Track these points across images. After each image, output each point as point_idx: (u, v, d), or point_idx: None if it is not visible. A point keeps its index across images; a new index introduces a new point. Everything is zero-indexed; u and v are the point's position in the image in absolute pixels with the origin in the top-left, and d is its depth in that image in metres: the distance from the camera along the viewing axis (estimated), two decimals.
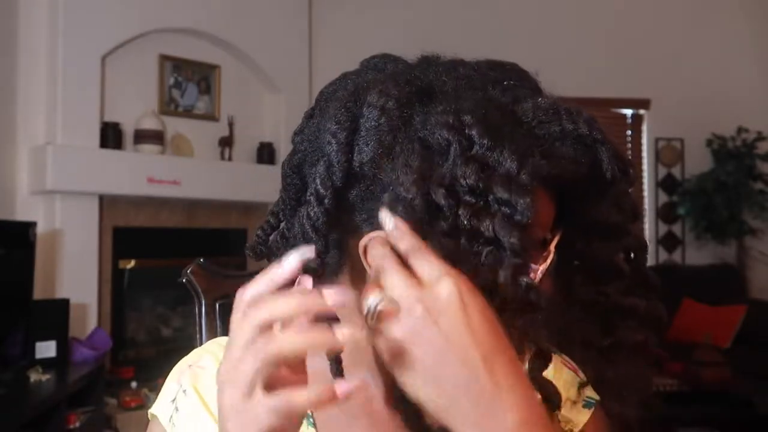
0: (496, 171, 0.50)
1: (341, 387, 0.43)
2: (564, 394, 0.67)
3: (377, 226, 0.54)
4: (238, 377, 0.44)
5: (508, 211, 0.49)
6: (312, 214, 0.55)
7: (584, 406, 0.68)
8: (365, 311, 0.46)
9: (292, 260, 0.48)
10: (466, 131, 0.51)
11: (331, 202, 0.54)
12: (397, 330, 0.46)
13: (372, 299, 0.47)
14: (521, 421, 0.44)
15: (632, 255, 0.59)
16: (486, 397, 0.44)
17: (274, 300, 0.45)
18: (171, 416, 0.62)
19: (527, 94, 0.56)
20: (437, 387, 0.45)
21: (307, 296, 0.45)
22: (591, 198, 0.56)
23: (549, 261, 0.56)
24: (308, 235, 0.55)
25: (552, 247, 0.57)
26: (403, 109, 0.54)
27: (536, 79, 0.60)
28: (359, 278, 0.59)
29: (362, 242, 0.55)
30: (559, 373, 0.69)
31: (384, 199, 0.54)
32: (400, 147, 0.53)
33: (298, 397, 0.43)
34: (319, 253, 0.51)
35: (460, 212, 0.50)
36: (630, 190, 0.58)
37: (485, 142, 0.50)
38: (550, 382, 0.57)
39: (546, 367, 0.57)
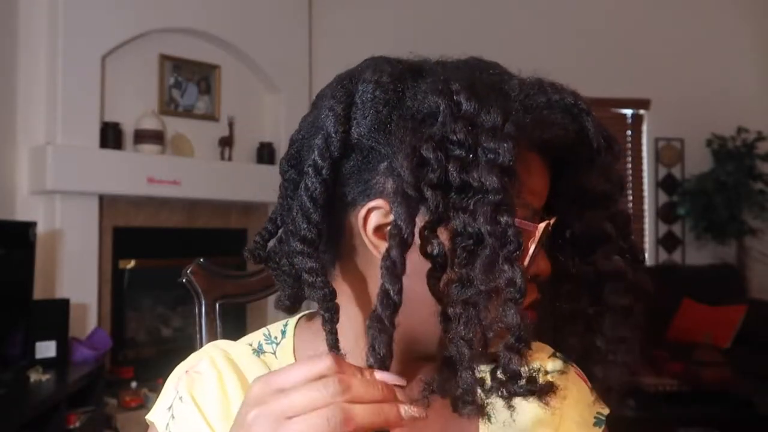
0: (483, 127, 0.51)
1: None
2: (580, 417, 0.67)
3: (373, 197, 0.56)
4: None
5: (492, 157, 0.51)
6: (310, 184, 0.56)
7: (594, 424, 0.67)
8: None
9: (381, 377, 0.48)
10: (455, 97, 0.52)
11: (329, 173, 0.56)
12: None
13: None
14: None
15: (619, 225, 0.59)
16: None
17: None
18: (167, 424, 0.62)
19: (512, 77, 0.58)
20: None
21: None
22: (580, 168, 0.58)
23: (552, 221, 0.57)
24: (306, 206, 0.56)
25: (552, 221, 0.57)
26: (396, 83, 0.56)
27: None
28: (350, 257, 0.60)
29: (361, 213, 0.56)
30: (577, 386, 0.68)
31: (380, 169, 0.55)
32: (395, 125, 0.54)
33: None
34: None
35: (449, 167, 0.51)
36: (617, 164, 0.59)
37: (473, 104, 0.52)
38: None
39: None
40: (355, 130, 0.56)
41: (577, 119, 0.55)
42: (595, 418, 0.67)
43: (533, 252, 0.56)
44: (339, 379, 0.44)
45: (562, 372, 0.68)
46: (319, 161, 0.56)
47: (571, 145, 0.55)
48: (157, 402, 0.65)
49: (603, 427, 0.67)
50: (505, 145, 0.50)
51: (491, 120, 0.51)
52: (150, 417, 0.64)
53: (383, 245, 0.55)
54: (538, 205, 0.57)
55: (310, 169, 0.56)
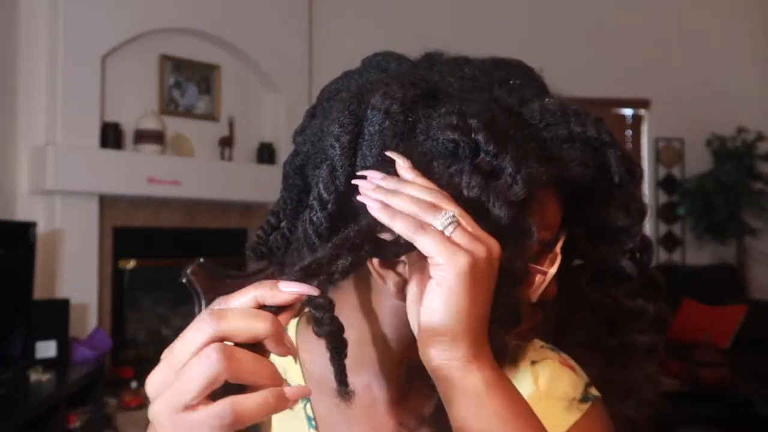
0: (497, 181, 0.49)
1: (291, 392, 0.42)
2: (563, 395, 0.67)
3: (381, 230, 0.54)
4: (182, 384, 0.40)
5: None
6: (315, 219, 0.54)
7: (581, 401, 0.66)
8: (441, 219, 0.47)
9: (290, 289, 0.44)
10: (473, 135, 0.50)
11: (334, 207, 0.54)
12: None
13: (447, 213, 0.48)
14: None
15: (640, 256, 0.58)
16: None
17: (238, 313, 0.42)
18: None
19: (534, 93, 0.55)
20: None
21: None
22: (599, 200, 0.56)
23: (557, 264, 0.56)
24: (311, 239, 0.55)
25: (558, 249, 0.56)
26: (407, 113, 0.53)
27: (541, 77, 0.59)
28: (363, 285, 0.59)
29: None
30: (559, 374, 0.68)
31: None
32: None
33: (244, 401, 0.40)
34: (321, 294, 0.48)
35: None
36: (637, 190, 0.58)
37: (491, 149, 0.49)
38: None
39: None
40: (361, 162, 0.53)
41: (598, 153, 0.53)
42: (581, 395, 0.66)
43: (544, 286, 0.55)
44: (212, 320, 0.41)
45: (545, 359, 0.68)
46: (325, 195, 0.53)
47: (589, 181, 0.53)
48: None
49: (590, 403, 0.66)
50: (503, 214, 0.49)
51: (505, 174, 0.49)
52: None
53: (389, 274, 0.54)
54: (549, 237, 0.56)
55: (315, 203, 0.54)
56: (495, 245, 0.48)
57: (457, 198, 0.50)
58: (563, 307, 0.60)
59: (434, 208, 0.48)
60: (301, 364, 0.63)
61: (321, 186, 0.54)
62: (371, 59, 0.61)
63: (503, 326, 0.50)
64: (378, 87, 0.54)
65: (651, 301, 0.58)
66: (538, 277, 0.55)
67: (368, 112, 0.53)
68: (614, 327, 0.58)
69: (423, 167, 0.50)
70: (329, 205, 0.54)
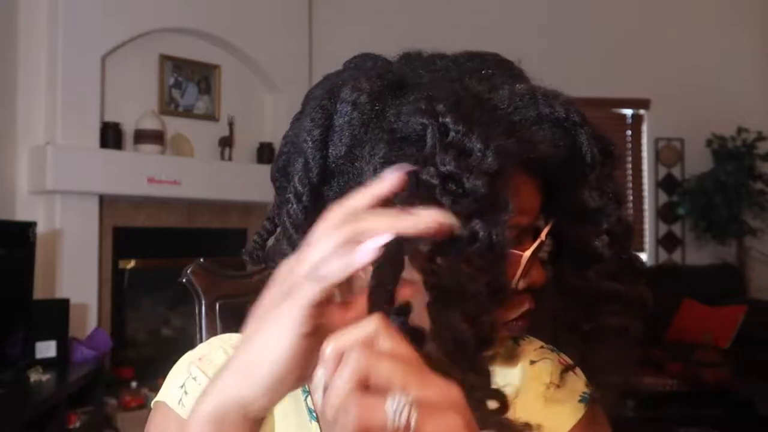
0: (470, 157, 0.49)
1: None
2: (563, 395, 0.67)
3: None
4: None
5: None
6: (291, 211, 0.56)
7: (580, 401, 0.67)
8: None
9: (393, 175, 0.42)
10: (440, 119, 0.50)
11: (309, 199, 0.55)
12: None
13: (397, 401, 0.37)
14: None
15: (616, 239, 0.58)
16: None
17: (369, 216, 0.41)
18: (180, 399, 0.62)
19: (505, 81, 0.55)
20: None
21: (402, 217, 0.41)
22: (574, 182, 0.56)
23: (536, 245, 0.56)
24: (289, 232, 0.56)
25: (543, 235, 0.57)
26: (374, 102, 0.54)
27: (519, 68, 0.59)
28: None
29: None
30: (558, 371, 0.68)
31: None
32: (368, 137, 0.54)
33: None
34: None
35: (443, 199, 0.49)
36: (614, 173, 0.57)
37: (460, 128, 0.49)
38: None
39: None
40: (333, 153, 0.55)
41: (568, 134, 0.53)
42: (580, 395, 0.67)
43: (523, 269, 0.56)
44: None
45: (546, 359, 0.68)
46: (299, 188, 0.55)
47: (561, 161, 0.53)
48: (164, 386, 0.65)
49: (587, 404, 0.67)
50: (474, 184, 0.48)
51: (475, 150, 0.49)
52: (158, 398, 0.64)
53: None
54: (527, 223, 0.57)
55: (291, 196, 0.56)
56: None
57: (433, 176, 0.49)
58: (549, 293, 0.60)
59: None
60: None
61: (296, 179, 0.56)
62: (350, 61, 0.63)
63: (493, 303, 0.48)
64: (348, 82, 0.56)
65: (631, 284, 0.58)
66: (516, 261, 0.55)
67: (338, 105, 0.55)
68: (590, 310, 0.58)
69: (389, 144, 0.52)
70: (304, 198, 0.55)
